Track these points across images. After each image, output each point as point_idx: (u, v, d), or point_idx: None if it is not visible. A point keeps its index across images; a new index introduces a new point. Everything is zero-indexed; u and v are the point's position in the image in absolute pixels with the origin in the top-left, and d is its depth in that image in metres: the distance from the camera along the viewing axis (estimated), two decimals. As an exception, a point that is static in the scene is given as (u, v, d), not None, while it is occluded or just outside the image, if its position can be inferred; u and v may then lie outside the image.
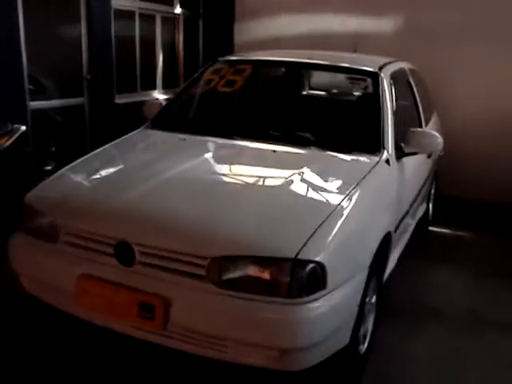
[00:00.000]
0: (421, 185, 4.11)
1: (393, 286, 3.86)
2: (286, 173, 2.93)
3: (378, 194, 2.99)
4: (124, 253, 2.43)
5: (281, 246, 2.31)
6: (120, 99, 6.42)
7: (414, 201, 3.85)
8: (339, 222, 2.51)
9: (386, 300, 3.69)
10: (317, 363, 2.46)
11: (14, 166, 4.22)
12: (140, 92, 6.94)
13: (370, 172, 3.00)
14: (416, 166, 3.82)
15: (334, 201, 2.63)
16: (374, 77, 3.67)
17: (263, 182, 2.91)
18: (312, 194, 2.78)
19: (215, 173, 2.99)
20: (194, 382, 2.89)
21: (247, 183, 2.88)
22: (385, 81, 3.64)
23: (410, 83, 4.40)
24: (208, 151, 3.33)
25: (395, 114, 3.51)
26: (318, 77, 4.15)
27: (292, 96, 3.93)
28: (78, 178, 3.02)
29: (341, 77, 3.97)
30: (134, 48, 6.79)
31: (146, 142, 3.61)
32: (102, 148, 3.40)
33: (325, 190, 2.83)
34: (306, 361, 2.42)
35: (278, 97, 3.99)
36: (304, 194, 2.76)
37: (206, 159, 3.21)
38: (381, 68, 3.77)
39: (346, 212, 2.59)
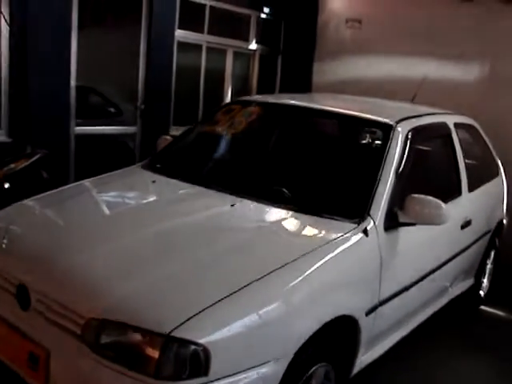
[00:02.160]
0: (442, 261, 3.46)
1: (400, 369, 3.42)
2: (224, 233, 2.62)
3: (328, 270, 2.49)
4: (23, 296, 2.33)
5: (158, 318, 2.01)
6: (176, 131, 6.35)
7: (422, 279, 3.23)
8: (247, 300, 2.13)
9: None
10: None
11: (28, 189, 4.22)
12: (202, 125, 6.85)
13: (329, 243, 2.55)
14: (433, 238, 3.22)
15: (253, 274, 2.21)
16: (386, 130, 3.18)
17: (193, 240, 2.52)
18: (232, 263, 2.35)
19: (150, 224, 2.67)
20: None
21: (175, 241, 2.53)
22: (399, 136, 3.14)
23: (451, 141, 3.81)
24: (164, 199, 3.09)
25: (404, 175, 3.01)
26: (327, 125, 3.70)
27: (288, 146, 3.50)
28: (20, 213, 2.96)
29: (354, 127, 3.50)
30: (199, 82, 6.76)
31: (118, 181, 3.40)
32: (70, 185, 3.33)
33: (250, 261, 2.39)
34: None
35: (271, 145, 3.60)
36: (225, 261, 2.35)
37: (153, 207, 2.96)
38: (401, 121, 3.26)
39: (260, 289, 2.18)
